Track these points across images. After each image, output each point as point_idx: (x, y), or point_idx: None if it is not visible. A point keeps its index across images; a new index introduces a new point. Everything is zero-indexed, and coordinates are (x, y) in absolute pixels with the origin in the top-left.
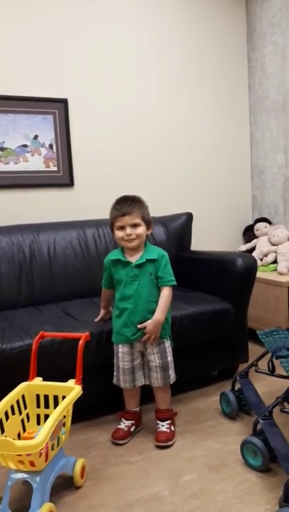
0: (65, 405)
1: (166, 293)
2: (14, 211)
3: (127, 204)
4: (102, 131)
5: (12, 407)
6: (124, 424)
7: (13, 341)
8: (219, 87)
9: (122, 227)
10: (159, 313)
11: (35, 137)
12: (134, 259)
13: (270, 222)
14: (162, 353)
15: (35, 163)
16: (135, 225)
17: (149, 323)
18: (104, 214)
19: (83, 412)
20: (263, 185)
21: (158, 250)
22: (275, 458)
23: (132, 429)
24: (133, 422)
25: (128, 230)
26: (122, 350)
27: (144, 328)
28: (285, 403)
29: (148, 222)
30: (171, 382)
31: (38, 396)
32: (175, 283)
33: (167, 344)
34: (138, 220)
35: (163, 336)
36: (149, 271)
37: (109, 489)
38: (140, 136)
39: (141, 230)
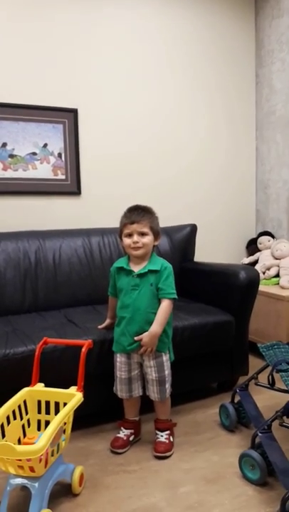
0: (67, 412)
1: (165, 305)
2: (21, 217)
3: (138, 212)
4: (110, 142)
5: (13, 412)
6: (124, 433)
7: (16, 346)
8: (226, 101)
9: (130, 235)
10: (156, 326)
11: (45, 145)
12: (137, 268)
13: (273, 236)
14: (159, 366)
15: (43, 171)
16: (143, 234)
17: (145, 336)
18: (110, 223)
19: (83, 420)
20: (268, 200)
21: (162, 262)
22: (272, 472)
23: (130, 439)
24: (132, 431)
25: (135, 238)
26: (119, 360)
27: (141, 340)
28: (285, 417)
29: (156, 232)
30: (167, 396)
31: (39, 402)
32: (175, 296)
33: (165, 358)
34: (146, 230)
35: (161, 349)
36: (150, 281)
37: (107, 498)
38: (147, 148)
39: (148, 239)
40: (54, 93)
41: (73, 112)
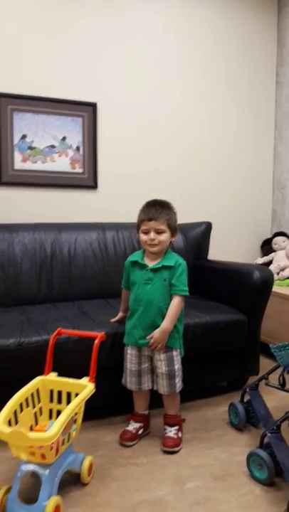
0: (78, 402)
1: (176, 302)
2: (38, 209)
3: (155, 209)
4: (128, 137)
5: (26, 400)
6: (133, 427)
7: (30, 336)
8: (246, 100)
9: (147, 231)
10: (167, 322)
11: (64, 139)
12: (151, 263)
13: (288, 237)
14: (169, 360)
15: (61, 164)
16: (160, 231)
17: (156, 332)
18: (125, 218)
19: (93, 411)
20: (284, 200)
21: (177, 258)
22: (280, 472)
23: (139, 432)
24: (141, 424)
25: (152, 235)
26: (130, 353)
27: (152, 337)
28: None
29: (173, 229)
30: (177, 391)
31: (51, 391)
32: (187, 293)
33: (175, 353)
34: (163, 227)
35: (172, 344)
36: (164, 277)
37: (115, 489)
38: (165, 145)
39: (164, 236)
40: (74, 86)
41: (92, 106)
